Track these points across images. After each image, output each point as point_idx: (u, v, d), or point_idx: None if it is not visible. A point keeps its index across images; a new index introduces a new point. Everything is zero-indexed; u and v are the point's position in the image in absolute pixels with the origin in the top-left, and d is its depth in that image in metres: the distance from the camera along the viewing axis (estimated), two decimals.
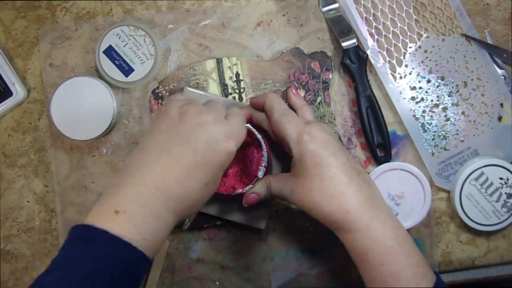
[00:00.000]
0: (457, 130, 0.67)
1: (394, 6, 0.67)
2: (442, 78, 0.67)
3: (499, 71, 0.67)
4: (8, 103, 0.66)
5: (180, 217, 0.49)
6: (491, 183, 0.65)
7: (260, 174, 0.59)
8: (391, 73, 0.67)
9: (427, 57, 0.67)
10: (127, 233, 0.44)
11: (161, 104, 0.66)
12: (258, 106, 0.59)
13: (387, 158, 0.66)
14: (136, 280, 0.45)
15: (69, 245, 0.45)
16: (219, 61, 0.67)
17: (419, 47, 0.67)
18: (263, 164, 0.59)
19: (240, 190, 0.59)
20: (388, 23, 0.67)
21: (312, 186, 0.53)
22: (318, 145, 0.53)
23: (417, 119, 0.67)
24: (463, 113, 0.67)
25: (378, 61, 0.66)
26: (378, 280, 0.51)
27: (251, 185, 0.59)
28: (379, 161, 0.66)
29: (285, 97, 0.65)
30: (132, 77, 0.65)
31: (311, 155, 0.53)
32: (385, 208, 0.54)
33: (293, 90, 0.64)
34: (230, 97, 0.66)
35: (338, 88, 0.68)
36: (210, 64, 0.67)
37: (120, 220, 0.44)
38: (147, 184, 0.46)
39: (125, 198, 0.46)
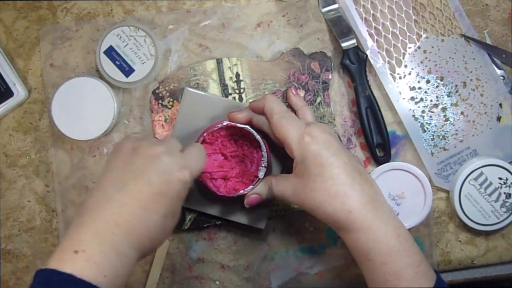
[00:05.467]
0: (456, 130, 0.67)
1: (394, 6, 0.67)
2: (441, 79, 0.67)
3: (498, 71, 0.67)
4: (9, 103, 0.66)
5: (141, 252, 0.48)
6: (490, 183, 0.65)
7: (261, 174, 0.59)
8: (391, 74, 0.67)
9: (426, 58, 0.67)
10: (88, 272, 0.43)
11: (161, 104, 0.66)
12: (257, 109, 0.59)
13: (387, 158, 0.66)
14: None
15: None
16: (219, 62, 0.67)
17: (419, 47, 0.67)
18: (263, 165, 0.59)
19: (242, 191, 0.59)
20: (388, 23, 0.67)
21: (314, 186, 0.53)
22: (320, 145, 0.53)
23: (416, 119, 0.67)
24: (462, 113, 0.67)
25: (377, 61, 0.67)
26: (380, 279, 0.52)
27: (252, 186, 0.59)
28: (378, 161, 0.66)
29: (285, 97, 0.65)
30: (132, 78, 0.65)
31: (313, 156, 0.53)
32: (387, 207, 0.54)
33: (293, 91, 0.64)
34: (230, 97, 0.67)
35: (338, 89, 0.68)
36: (210, 65, 0.67)
37: (79, 259, 0.44)
38: (106, 220, 0.46)
39: (85, 237, 0.45)
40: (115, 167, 0.49)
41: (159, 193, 0.47)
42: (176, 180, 0.48)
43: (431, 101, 0.67)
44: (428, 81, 0.67)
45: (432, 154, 0.67)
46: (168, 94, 0.66)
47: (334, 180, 0.52)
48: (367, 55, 0.66)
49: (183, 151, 0.52)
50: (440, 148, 0.67)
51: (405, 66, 0.67)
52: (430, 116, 0.67)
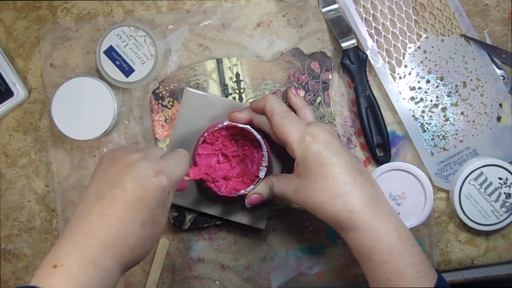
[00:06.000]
0: (456, 130, 0.67)
1: (394, 6, 0.67)
2: (441, 79, 0.67)
3: (498, 71, 0.67)
4: (9, 103, 0.66)
5: (123, 264, 0.46)
6: (490, 183, 0.65)
7: (262, 174, 0.59)
8: (391, 74, 0.67)
9: (426, 58, 0.67)
10: (65, 286, 0.42)
11: (161, 104, 0.66)
12: (258, 109, 0.59)
13: (387, 158, 0.66)
14: None
15: None
16: (219, 62, 0.67)
17: (419, 47, 0.67)
18: (263, 164, 0.59)
19: (243, 191, 0.59)
20: (388, 23, 0.67)
21: (315, 186, 0.53)
22: (321, 145, 0.53)
23: (416, 119, 0.67)
24: (462, 113, 0.67)
25: (377, 61, 0.67)
26: (381, 279, 0.52)
27: (253, 186, 0.59)
28: (378, 161, 0.66)
29: (285, 97, 0.65)
30: (132, 78, 0.65)
31: (314, 155, 0.53)
32: (387, 207, 0.54)
33: (293, 91, 0.64)
34: (230, 97, 0.67)
35: (338, 89, 0.68)
36: (210, 65, 0.67)
37: (57, 274, 0.43)
38: (84, 233, 0.45)
39: (63, 251, 0.45)
40: (95, 179, 0.49)
41: (135, 200, 0.46)
42: (152, 186, 0.46)
43: (431, 101, 0.67)
44: (428, 81, 0.67)
45: (432, 154, 0.67)
46: (168, 94, 0.66)
47: (335, 179, 0.52)
48: (367, 55, 0.66)
49: (163, 157, 0.50)
50: (440, 148, 0.67)
51: (405, 66, 0.67)
52: (430, 116, 0.67)
